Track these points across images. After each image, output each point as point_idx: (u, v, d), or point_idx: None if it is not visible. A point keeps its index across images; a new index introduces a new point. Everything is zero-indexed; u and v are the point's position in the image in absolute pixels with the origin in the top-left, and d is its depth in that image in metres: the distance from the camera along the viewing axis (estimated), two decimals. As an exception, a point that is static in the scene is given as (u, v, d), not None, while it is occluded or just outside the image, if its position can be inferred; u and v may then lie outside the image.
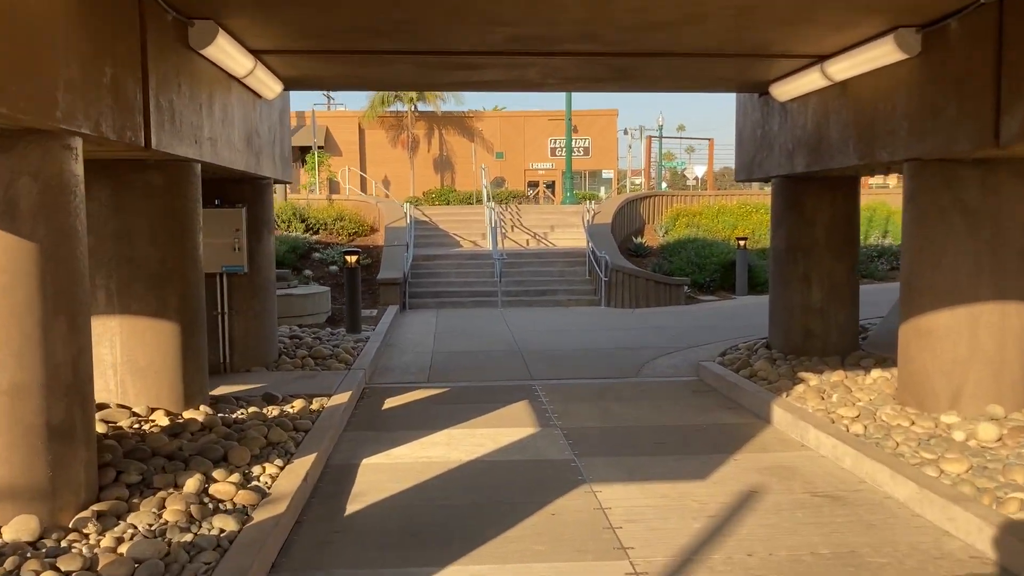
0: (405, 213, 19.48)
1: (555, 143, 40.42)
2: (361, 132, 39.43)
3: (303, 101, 68.62)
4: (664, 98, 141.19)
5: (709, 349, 10.99)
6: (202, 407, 6.76)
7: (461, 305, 16.43)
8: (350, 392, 8.20)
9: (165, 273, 6.48)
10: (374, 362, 10.27)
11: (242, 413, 7.00)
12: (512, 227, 21.22)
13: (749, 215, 21.56)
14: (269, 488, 5.27)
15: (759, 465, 6.26)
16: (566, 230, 21.01)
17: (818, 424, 6.81)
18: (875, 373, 8.47)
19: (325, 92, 54.32)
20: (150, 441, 5.68)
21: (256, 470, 5.54)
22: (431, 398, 8.72)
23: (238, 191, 9.26)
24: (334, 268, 17.24)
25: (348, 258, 12.20)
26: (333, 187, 33.65)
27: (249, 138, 8.44)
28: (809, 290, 9.78)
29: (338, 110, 47.09)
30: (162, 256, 6.48)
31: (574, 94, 27.15)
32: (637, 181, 46.75)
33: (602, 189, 39.48)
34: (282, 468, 5.65)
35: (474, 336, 12.71)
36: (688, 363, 10.32)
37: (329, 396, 8.03)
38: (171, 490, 4.98)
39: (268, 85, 8.47)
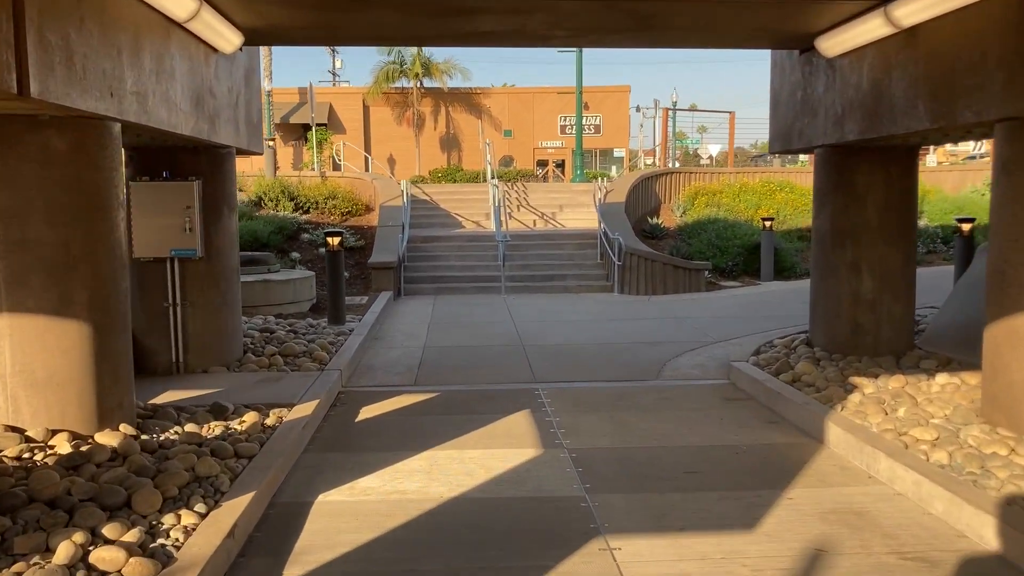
0: (402, 191, 18.09)
1: (565, 120, 38.91)
2: (366, 109, 37.97)
3: (303, 75, 67.08)
4: (676, 76, 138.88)
5: (739, 345, 9.62)
6: (123, 426, 5.44)
7: (461, 291, 15.08)
8: (317, 401, 6.87)
9: (69, 261, 5.15)
10: (355, 360, 8.95)
11: (175, 432, 5.68)
12: (518, 207, 19.82)
13: (773, 194, 20.06)
14: (178, 549, 3.95)
15: (821, 507, 4.91)
16: (576, 210, 19.60)
17: (889, 450, 5.45)
18: (941, 379, 7.11)
19: (331, 69, 52.96)
20: (34, 480, 4.37)
21: (167, 520, 4.22)
22: (416, 406, 7.39)
23: (192, 162, 7.91)
24: (324, 250, 15.89)
25: (330, 240, 10.85)
26: (337, 167, 32.24)
27: (199, 98, 7.08)
28: (858, 279, 8.39)
29: (343, 86, 45.70)
30: (65, 240, 5.13)
31: (585, 70, 25.60)
32: (649, 161, 45.21)
33: (613, 168, 37.96)
34: (204, 516, 4.33)
35: (472, 328, 11.37)
36: (716, 362, 8.95)
37: (291, 406, 6.71)
38: (36, 558, 3.67)
39: (222, 34, 7.11)
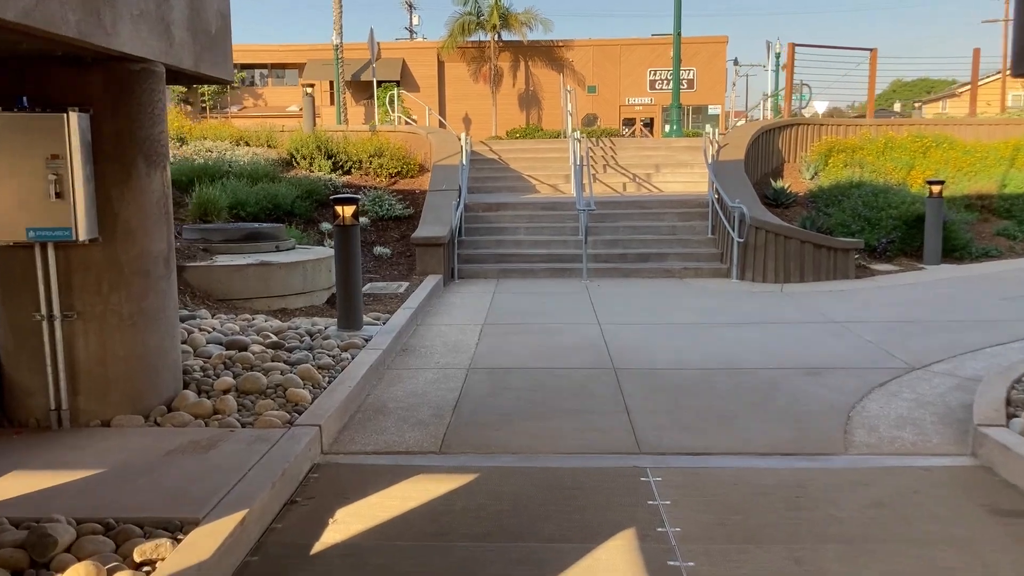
0: (461, 147, 14.83)
1: (655, 75, 35.04)
2: (440, 65, 34.91)
3: (377, 32, 63.85)
4: (779, 29, 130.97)
5: (952, 376, 6.11)
6: None
7: (531, 274, 11.79)
8: (243, 514, 3.71)
9: None
10: (355, 397, 5.78)
11: None
12: (604, 167, 16.36)
13: (927, 151, 15.99)
14: None
15: None
16: (676, 171, 16.02)
17: None
18: None
19: (407, 26, 49.76)
20: None
21: None
22: (430, 514, 4.17)
23: (76, 83, 4.81)
24: (365, 220, 12.83)
25: (340, 209, 7.60)
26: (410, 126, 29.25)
27: (49, -40, 3.93)
28: None
29: (417, 41, 42.77)
30: None
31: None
32: (740, 123, 40.76)
33: (707, 127, 33.85)
34: None
35: (541, 334, 8.08)
36: (933, 412, 5.48)
37: (192, 525, 3.58)
38: None
39: None
